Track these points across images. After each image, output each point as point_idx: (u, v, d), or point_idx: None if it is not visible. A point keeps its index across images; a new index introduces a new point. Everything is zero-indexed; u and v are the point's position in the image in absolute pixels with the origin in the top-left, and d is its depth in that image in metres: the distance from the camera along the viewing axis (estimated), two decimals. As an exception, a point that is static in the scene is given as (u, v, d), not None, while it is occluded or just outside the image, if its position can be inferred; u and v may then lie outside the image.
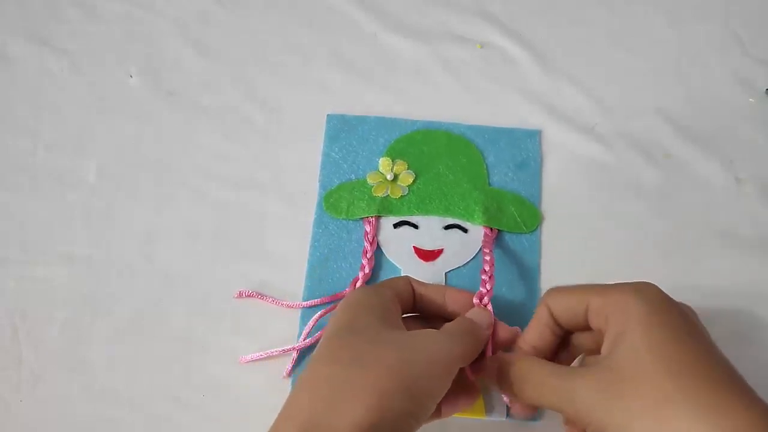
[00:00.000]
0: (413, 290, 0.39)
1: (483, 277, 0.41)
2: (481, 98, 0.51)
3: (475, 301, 0.39)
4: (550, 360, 0.36)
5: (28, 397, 0.41)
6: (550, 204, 0.47)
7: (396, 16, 0.54)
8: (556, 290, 0.36)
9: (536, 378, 0.34)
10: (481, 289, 0.40)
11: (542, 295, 0.37)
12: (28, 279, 0.44)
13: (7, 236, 0.46)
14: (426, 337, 0.34)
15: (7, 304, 0.43)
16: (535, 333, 0.36)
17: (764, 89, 0.51)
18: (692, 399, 0.28)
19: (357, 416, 0.29)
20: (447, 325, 0.36)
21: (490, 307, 0.39)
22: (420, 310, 0.40)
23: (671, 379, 0.29)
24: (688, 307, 0.34)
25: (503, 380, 0.35)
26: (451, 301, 0.39)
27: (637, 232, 0.46)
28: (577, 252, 0.45)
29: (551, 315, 0.36)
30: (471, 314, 0.38)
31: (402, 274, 0.43)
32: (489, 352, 0.37)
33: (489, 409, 0.40)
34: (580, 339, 0.37)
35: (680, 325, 0.32)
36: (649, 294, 0.33)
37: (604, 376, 0.31)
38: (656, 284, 0.33)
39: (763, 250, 0.45)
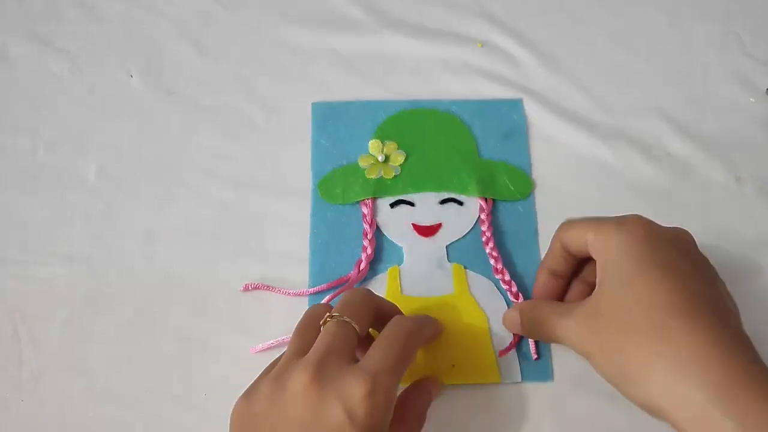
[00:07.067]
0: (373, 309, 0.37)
1: (489, 251, 0.44)
2: (481, 98, 0.50)
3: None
4: (567, 285, 0.41)
5: (29, 396, 0.41)
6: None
7: (396, 15, 0.54)
8: (567, 223, 0.39)
9: (542, 319, 0.38)
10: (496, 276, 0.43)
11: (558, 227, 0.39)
12: (28, 279, 0.44)
13: (7, 236, 0.46)
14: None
15: (7, 304, 0.43)
16: (551, 260, 0.40)
17: (764, 89, 0.51)
18: (656, 329, 0.31)
19: None
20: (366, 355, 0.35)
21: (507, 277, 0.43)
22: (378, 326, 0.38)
23: (643, 313, 0.32)
24: (684, 231, 0.37)
25: (524, 324, 0.40)
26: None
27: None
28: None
29: (563, 246, 0.38)
30: (387, 327, 0.36)
31: (404, 252, 0.44)
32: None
33: (504, 374, 0.41)
34: (591, 268, 0.39)
35: (659, 257, 0.34)
36: (631, 226, 0.35)
37: (587, 312, 0.35)
38: (647, 218, 0.36)
39: (763, 250, 0.45)
